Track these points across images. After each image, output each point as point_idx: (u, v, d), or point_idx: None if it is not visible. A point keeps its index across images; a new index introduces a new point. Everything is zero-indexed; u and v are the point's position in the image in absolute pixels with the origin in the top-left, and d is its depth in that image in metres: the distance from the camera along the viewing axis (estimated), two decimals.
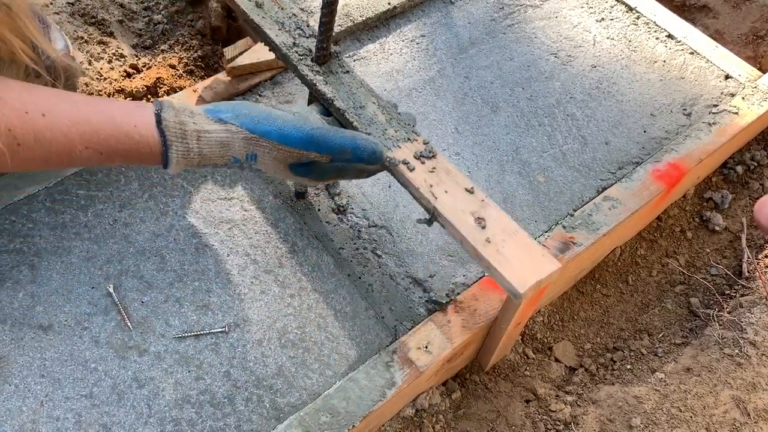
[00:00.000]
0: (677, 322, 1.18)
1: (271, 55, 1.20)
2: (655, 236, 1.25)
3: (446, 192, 0.85)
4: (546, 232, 1.06)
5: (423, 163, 0.88)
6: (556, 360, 1.12)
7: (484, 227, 0.82)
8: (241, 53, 1.21)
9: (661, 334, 1.16)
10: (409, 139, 0.90)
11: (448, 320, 0.95)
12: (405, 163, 0.87)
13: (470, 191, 0.86)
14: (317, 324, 0.95)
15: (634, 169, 1.14)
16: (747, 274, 1.19)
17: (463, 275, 1.01)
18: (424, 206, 0.86)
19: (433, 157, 0.88)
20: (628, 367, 1.11)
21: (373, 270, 1.01)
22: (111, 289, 0.95)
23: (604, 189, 1.12)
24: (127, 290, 0.96)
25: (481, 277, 1.01)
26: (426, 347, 0.93)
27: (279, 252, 1.01)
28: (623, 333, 1.17)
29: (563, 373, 1.11)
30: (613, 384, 1.08)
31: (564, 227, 1.06)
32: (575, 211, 1.09)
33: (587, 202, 1.10)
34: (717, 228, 1.26)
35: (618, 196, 1.10)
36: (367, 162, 0.86)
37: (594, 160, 1.16)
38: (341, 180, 0.92)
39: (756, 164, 1.32)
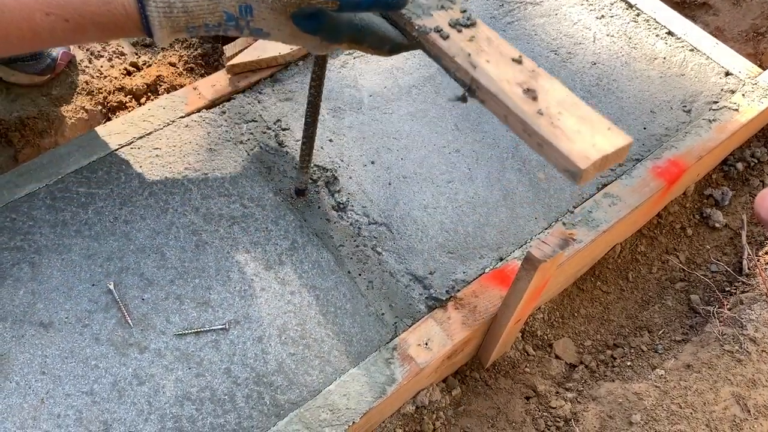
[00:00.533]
0: (677, 319, 1.18)
1: (271, 53, 1.21)
2: (656, 233, 1.25)
3: (488, 62, 0.73)
4: (546, 228, 1.06)
5: (460, 31, 0.75)
6: (557, 357, 1.12)
7: (535, 98, 0.70)
8: (240, 51, 1.21)
9: (661, 331, 1.16)
10: (443, 6, 0.77)
11: (448, 317, 0.96)
12: (438, 30, 0.75)
13: (518, 61, 0.74)
14: (317, 321, 0.95)
15: (634, 165, 1.14)
16: (747, 270, 1.19)
17: (463, 272, 1.01)
18: (460, 79, 0.74)
19: (473, 25, 0.76)
20: (629, 363, 1.12)
21: (373, 267, 1.01)
22: (111, 287, 0.96)
23: (604, 186, 1.12)
24: (128, 287, 0.96)
25: (481, 274, 1.01)
26: (426, 344, 0.93)
27: (279, 249, 1.01)
28: (623, 330, 1.17)
29: (563, 370, 1.11)
30: (613, 381, 1.08)
31: (564, 224, 1.06)
32: (575, 207, 1.09)
33: (587, 199, 1.10)
34: (717, 225, 1.26)
35: (618, 192, 1.10)
36: (385, 5, 0.71)
37: None
38: (360, 49, 0.79)
39: (756, 161, 1.32)
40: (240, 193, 1.07)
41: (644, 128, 1.20)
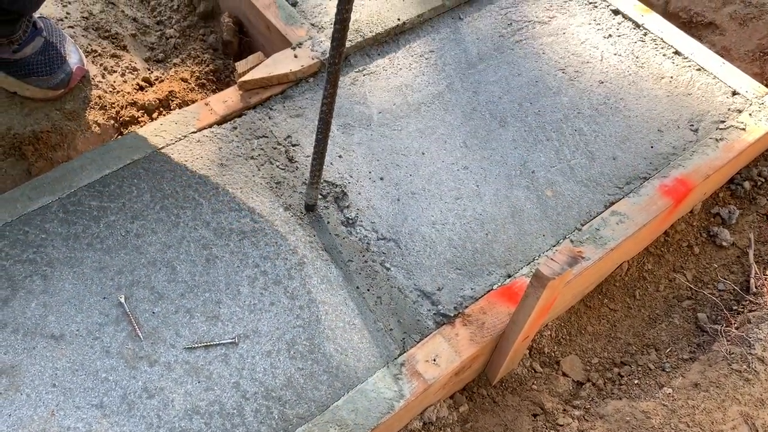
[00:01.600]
0: (685, 337, 1.18)
1: (282, 70, 1.22)
2: (663, 251, 1.26)
3: None
4: (554, 246, 1.07)
5: None
6: (564, 374, 1.13)
7: None
8: (252, 68, 1.23)
9: (668, 349, 1.16)
10: None
11: (456, 333, 0.96)
12: None
13: None
14: (326, 336, 0.96)
15: (641, 184, 1.15)
16: (755, 289, 1.19)
17: (471, 288, 1.02)
18: None
19: None
20: (636, 381, 1.11)
21: (382, 282, 1.01)
22: (122, 300, 0.96)
23: (612, 203, 1.12)
24: (138, 301, 0.97)
25: (489, 291, 1.01)
26: (434, 360, 0.93)
27: (289, 264, 1.02)
28: (630, 347, 1.17)
29: (570, 387, 1.11)
30: (620, 398, 1.08)
31: (572, 241, 1.07)
32: (583, 225, 1.09)
33: (595, 217, 1.10)
34: (724, 243, 1.26)
35: (625, 210, 1.10)
36: None
37: (602, 174, 1.16)
38: None
39: (763, 180, 1.32)
40: (250, 208, 1.08)
41: (651, 147, 1.21)
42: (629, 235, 1.08)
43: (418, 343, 0.95)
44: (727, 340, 1.10)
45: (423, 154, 1.17)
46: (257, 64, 1.23)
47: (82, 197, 1.06)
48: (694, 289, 1.23)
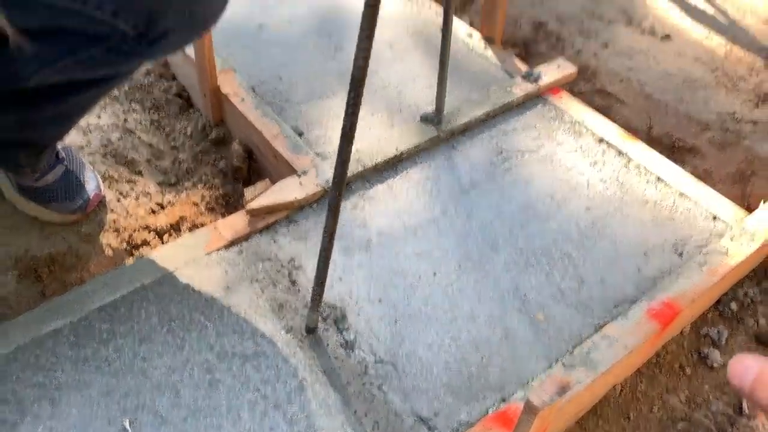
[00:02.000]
0: None
1: (288, 197, 1.30)
2: (655, 372, 1.28)
3: None
4: (547, 368, 1.10)
5: None
6: None
7: None
8: (259, 194, 1.31)
9: None
10: None
11: None
12: None
13: None
14: None
15: (629, 307, 1.19)
16: (747, 412, 1.21)
17: (467, 413, 1.04)
18: None
19: None
20: None
21: (379, 406, 1.04)
22: (126, 425, 0.99)
23: (602, 326, 1.17)
24: (143, 425, 0.99)
25: (484, 415, 1.04)
26: None
27: (288, 387, 1.05)
28: None
29: None
30: None
31: (564, 365, 1.10)
32: (574, 348, 1.13)
33: (585, 340, 1.14)
34: (715, 364, 1.29)
35: (615, 334, 1.14)
36: None
37: (591, 298, 1.21)
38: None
39: (750, 300, 1.37)
40: (253, 331, 1.12)
41: (639, 270, 1.26)
42: (620, 358, 1.11)
43: None
44: None
45: (419, 276, 1.22)
46: (264, 191, 1.31)
47: (93, 321, 1.11)
48: (688, 411, 1.24)
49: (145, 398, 1.02)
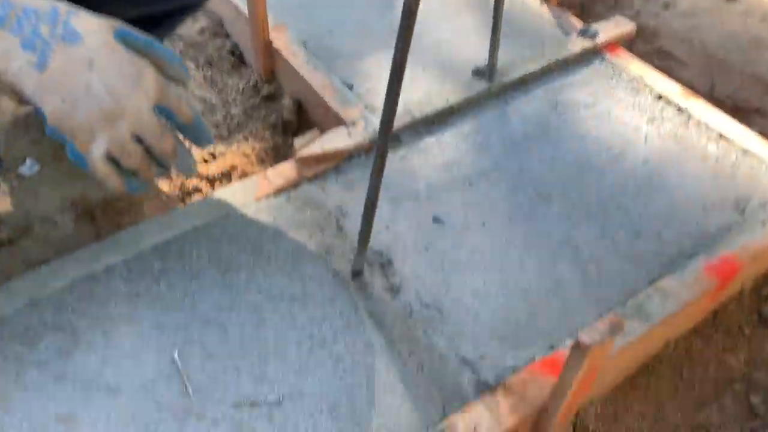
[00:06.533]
0: (736, 421, 1.14)
1: (336, 146, 1.30)
2: (711, 331, 1.24)
3: None
4: (598, 318, 1.07)
5: None
6: None
7: None
8: (309, 143, 1.31)
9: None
10: None
11: (497, 402, 0.96)
12: None
13: None
14: (367, 400, 0.97)
15: (686, 262, 1.15)
16: None
17: (513, 358, 1.02)
18: None
19: None
20: None
21: (423, 349, 1.03)
22: (176, 357, 1.01)
23: (656, 280, 1.13)
24: (190, 357, 1.01)
25: (531, 361, 1.02)
26: (474, 429, 0.93)
27: (334, 327, 1.05)
28: (679, 429, 1.13)
29: None
30: None
31: (616, 315, 1.07)
32: (627, 300, 1.10)
33: (639, 292, 1.11)
34: None
35: (670, 288, 1.10)
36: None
37: (646, 251, 1.17)
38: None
39: None
40: (300, 274, 1.13)
41: (697, 225, 1.22)
42: (674, 311, 1.07)
43: (458, 410, 0.96)
44: None
45: (468, 226, 1.21)
46: (314, 140, 1.31)
47: (146, 258, 1.13)
48: (746, 371, 1.20)
49: (194, 334, 1.04)
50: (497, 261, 1.15)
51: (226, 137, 1.55)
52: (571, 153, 1.34)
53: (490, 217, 1.22)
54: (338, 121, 1.40)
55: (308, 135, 1.34)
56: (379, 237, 1.18)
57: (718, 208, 1.25)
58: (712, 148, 1.35)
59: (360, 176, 1.29)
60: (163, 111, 0.78)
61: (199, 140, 0.96)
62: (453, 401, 0.98)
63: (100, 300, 1.07)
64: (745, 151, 1.34)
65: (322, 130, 1.41)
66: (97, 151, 0.74)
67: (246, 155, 1.46)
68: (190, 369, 1.00)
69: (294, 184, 1.27)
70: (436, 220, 1.22)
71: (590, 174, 1.30)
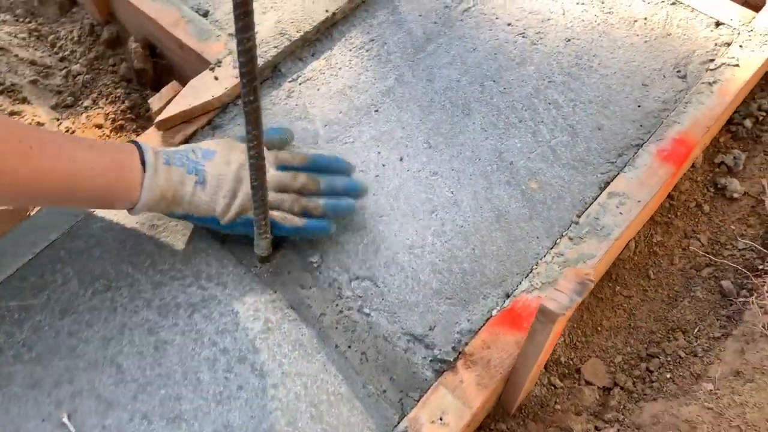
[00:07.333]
0: (712, 311, 1.04)
1: (204, 97, 1.05)
2: (670, 217, 1.12)
3: None
4: (551, 248, 0.92)
5: None
6: (587, 383, 0.99)
7: None
8: (168, 102, 1.05)
9: (696, 329, 1.03)
10: None
11: (461, 380, 0.82)
12: None
13: None
14: (310, 415, 0.81)
15: (636, 153, 1.00)
16: None
17: (468, 320, 0.87)
18: None
19: None
20: (668, 375, 0.99)
21: (364, 334, 0.87)
22: (65, 419, 0.81)
23: (607, 183, 0.98)
24: (85, 414, 0.81)
25: (488, 319, 0.87)
26: (441, 419, 0.79)
27: (251, 334, 0.87)
28: (654, 336, 1.04)
29: (597, 397, 0.98)
30: (655, 399, 0.96)
31: (571, 239, 0.92)
32: (579, 216, 0.95)
33: (591, 203, 0.96)
34: (735, 195, 1.12)
35: (624, 189, 0.96)
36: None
37: (588, 151, 1.01)
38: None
39: (765, 114, 1.18)
40: (195, 273, 0.92)
41: (639, 106, 1.05)
42: (633, 218, 0.93)
43: (418, 401, 0.81)
44: (763, 311, 0.97)
45: (384, 165, 1.01)
46: (173, 97, 1.05)
47: None
48: (712, 254, 1.09)
49: (82, 381, 0.84)
50: (425, 202, 0.97)
51: (72, 105, 1.26)
52: (483, 46, 1.14)
53: (406, 148, 1.03)
54: (200, 61, 1.13)
55: (165, 91, 1.08)
56: None
57: (657, 79, 1.08)
58: (637, 6, 1.17)
59: (243, 129, 1.05)
60: (287, 168, 0.92)
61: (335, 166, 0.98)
62: (410, 390, 0.83)
63: None
64: (674, 2, 1.17)
65: (184, 75, 1.14)
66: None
67: (99, 126, 1.19)
68: (86, 429, 0.81)
69: None
70: None
71: (508, 68, 1.10)
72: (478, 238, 0.94)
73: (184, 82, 1.08)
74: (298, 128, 1.05)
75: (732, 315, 1.03)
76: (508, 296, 0.89)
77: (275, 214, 0.88)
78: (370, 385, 0.83)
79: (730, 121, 1.19)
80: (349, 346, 0.86)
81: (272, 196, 0.88)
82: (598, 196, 0.96)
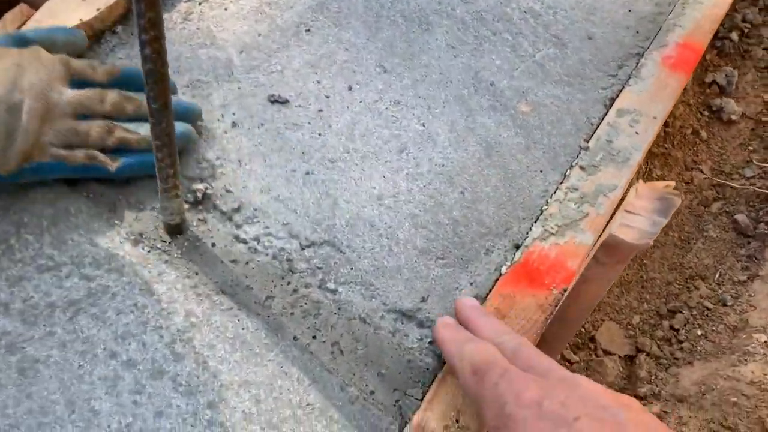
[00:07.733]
0: (729, 252, 0.88)
1: (67, 23, 0.76)
2: (667, 147, 0.94)
3: None
4: (560, 181, 0.71)
5: None
6: (606, 352, 0.79)
7: None
8: (18, 29, 0.75)
9: (717, 275, 0.86)
10: None
11: None
12: None
13: None
14: None
15: (638, 63, 0.81)
16: None
17: (470, 282, 0.64)
18: None
19: None
20: (698, 332, 0.81)
21: (331, 318, 0.61)
22: None
23: (612, 100, 0.78)
24: None
25: (497, 279, 0.64)
26: (457, 422, 0.56)
27: (168, 334, 0.59)
28: (671, 287, 0.85)
29: (620, 369, 0.79)
30: (690, 363, 0.77)
31: (583, 168, 0.72)
32: (588, 141, 0.74)
33: (598, 125, 0.76)
34: (733, 117, 0.97)
35: (635, 105, 0.77)
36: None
37: (582, 63, 0.81)
38: None
39: (750, 25, 1.03)
40: (74, 259, 0.63)
41: (629, 10, 0.87)
42: (651, 137, 0.74)
43: (421, 401, 0.57)
44: None
45: (328, 97, 0.76)
46: (22, 24, 0.75)
47: None
48: (719, 187, 0.93)
49: None
50: (391, 138, 0.73)
51: None
52: None
53: (355, 74, 0.78)
54: None
55: (9, 17, 0.77)
56: (192, 156, 0.70)
57: None
58: None
59: (129, 61, 0.77)
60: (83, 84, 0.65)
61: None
62: (408, 387, 0.58)
63: None
64: None
65: (34, 4, 0.84)
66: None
67: None
68: None
69: None
70: (275, 100, 0.75)
71: None
72: (466, 179, 0.71)
73: (35, 4, 0.78)
74: (203, 57, 0.78)
75: (753, 254, 0.87)
76: (517, 247, 0.66)
77: (78, 154, 0.63)
78: (351, 386, 0.58)
79: (715, 36, 1.03)
80: (314, 337, 0.60)
81: (69, 125, 0.63)
82: (605, 115, 0.76)
